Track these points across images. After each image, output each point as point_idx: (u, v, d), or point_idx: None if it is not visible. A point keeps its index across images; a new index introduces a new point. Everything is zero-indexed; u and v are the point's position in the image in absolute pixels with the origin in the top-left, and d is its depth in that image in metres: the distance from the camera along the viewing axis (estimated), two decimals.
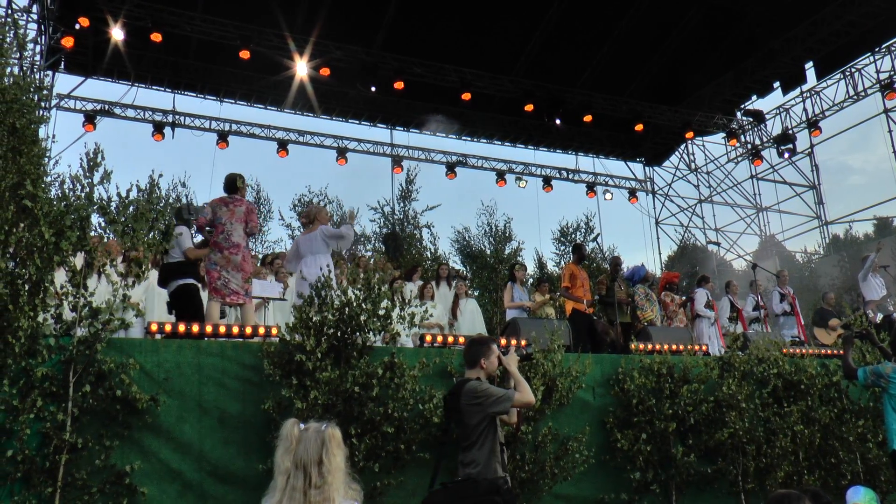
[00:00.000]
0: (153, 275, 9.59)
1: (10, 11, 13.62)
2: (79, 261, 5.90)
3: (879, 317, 11.65)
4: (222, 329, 6.57)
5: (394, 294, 6.75)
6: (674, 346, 8.31)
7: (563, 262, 22.74)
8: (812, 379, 8.08)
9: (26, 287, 5.48)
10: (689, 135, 20.89)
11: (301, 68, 16.27)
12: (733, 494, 7.58)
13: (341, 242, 8.10)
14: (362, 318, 6.31)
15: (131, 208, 6.17)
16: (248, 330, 6.65)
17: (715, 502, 7.60)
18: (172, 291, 7.81)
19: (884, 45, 18.21)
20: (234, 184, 7.97)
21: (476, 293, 17.45)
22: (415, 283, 11.17)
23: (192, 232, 8.15)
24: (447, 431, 4.87)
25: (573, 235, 24.00)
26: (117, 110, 17.70)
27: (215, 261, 7.66)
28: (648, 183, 24.03)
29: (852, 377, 6.56)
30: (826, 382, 8.18)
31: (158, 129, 17.90)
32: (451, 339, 7.34)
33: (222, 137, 18.51)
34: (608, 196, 22.71)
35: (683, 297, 11.77)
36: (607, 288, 10.77)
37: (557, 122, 18.74)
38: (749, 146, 22.10)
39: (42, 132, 7.23)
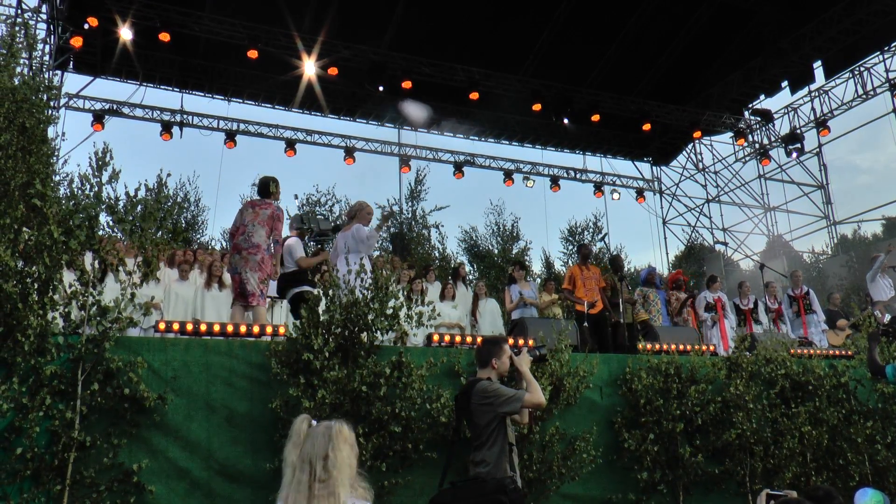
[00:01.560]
0: (170, 274, 9.71)
1: (19, 11, 13.69)
2: (87, 259, 5.93)
3: (887, 318, 11.60)
4: (230, 328, 6.58)
5: (409, 293, 6.75)
6: (681, 347, 8.29)
7: (570, 262, 22.75)
8: (820, 380, 8.04)
9: (35, 286, 5.51)
10: (697, 134, 20.84)
11: (309, 68, 16.30)
12: (741, 495, 7.55)
13: (361, 246, 8.10)
14: (370, 317, 6.31)
15: (139, 207, 6.19)
16: (256, 329, 6.66)
17: (722, 503, 7.57)
18: (290, 299, 8.03)
19: (893, 44, 18.14)
20: (266, 188, 8.01)
21: None
22: (431, 283, 11.19)
23: (307, 240, 8.48)
24: (457, 431, 4.89)
25: (581, 235, 24.01)
26: (125, 110, 17.77)
27: (234, 263, 7.71)
28: (656, 182, 23.99)
29: (879, 373, 6.52)
30: (834, 383, 8.13)
31: (166, 128, 17.96)
32: (458, 338, 7.34)
33: (230, 137, 18.57)
34: (615, 196, 22.67)
35: (685, 296, 11.73)
36: (612, 287, 10.77)
37: (565, 121, 18.73)
38: (757, 146, 22.05)
39: (51, 132, 7.28)
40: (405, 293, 6.72)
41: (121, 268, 5.96)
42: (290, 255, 8.21)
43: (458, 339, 7.29)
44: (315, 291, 8.17)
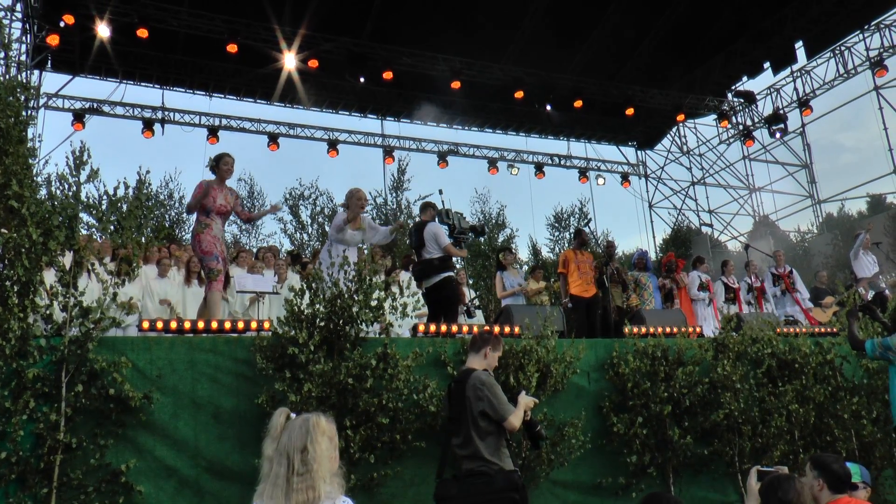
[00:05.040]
0: (151, 271, 9.60)
1: None
2: (68, 260, 5.88)
3: (871, 294, 11.68)
4: (214, 325, 6.55)
5: (388, 285, 6.70)
6: (668, 329, 8.31)
7: (557, 248, 22.78)
8: (806, 358, 8.08)
9: (15, 288, 5.46)
10: (681, 117, 20.88)
11: (290, 61, 16.22)
12: (730, 475, 7.60)
13: (334, 234, 8.02)
14: (354, 309, 6.29)
15: (123, 206, 6.15)
16: (241, 325, 6.63)
17: (712, 484, 7.62)
18: (434, 285, 8.11)
19: (873, 23, 18.20)
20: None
21: (470, 280, 17.43)
22: (412, 272, 11.13)
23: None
24: (454, 420, 4.80)
25: (567, 221, 24.04)
26: (106, 108, 17.65)
27: None
28: (641, 167, 24.04)
29: (859, 348, 6.58)
30: (820, 361, 8.17)
31: (148, 125, 17.84)
32: (444, 328, 7.32)
33: (212, 133, 18.46)
34: (601, 181, 22.73)
35: (666, 281, 11.80)
36: (600, 272, 10.78)
37: (548, 108, 18.71)
38: (740, 127, 22.11)
39: (30, 132, 7.19)
40: (385, 284, 6.67)
41: (102, 267, 5.91)
42: (437, 240, 8.20)
43: (443, 328, 7.27)
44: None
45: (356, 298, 6.30)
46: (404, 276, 10.52)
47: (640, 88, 19.63)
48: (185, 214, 22.40)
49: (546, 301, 11.21)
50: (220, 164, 7.76)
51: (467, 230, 8.85)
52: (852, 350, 7.14)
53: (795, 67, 20.16)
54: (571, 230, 22.83)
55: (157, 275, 9.57)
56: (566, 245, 22.68)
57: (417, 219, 8.89)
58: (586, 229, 10.96)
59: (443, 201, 8.84)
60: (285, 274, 10.17)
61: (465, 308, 8.78)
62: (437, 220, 8.61)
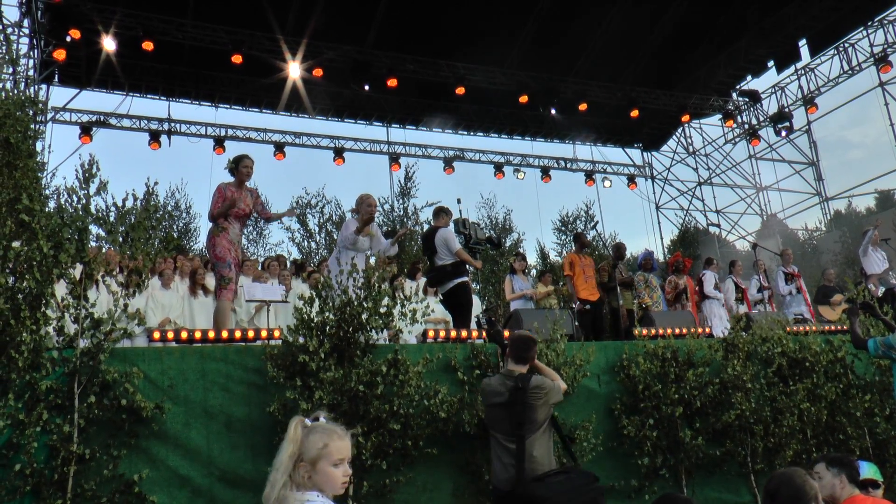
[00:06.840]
0: (153, 283, 9.60)
1: (1, 27, 13.64)
2: (78, 272, 5.91)
3: (881, 290, 11.63)
4: (224, 334, 6.57)
5: (395, 292, 6.69)
6: (677, 330, 8.29)
7: (564, 252, 22.77)
8: (817, 356, 8.03)
9: (27, 301, 5.49)
10: (686, 118, 20.86)
11: (294, 70, 16.29)
12: (743, 476, 7.56)
13: (345, 241, 7.96)
14: (364, 316, 6.30)
15: (132, 218, 6.19)
16: (251, 333, 6.66)
17: (725, 484, 7.58)
18: (449, 291, 8.16)
19: (876, 19, 18.18)
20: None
21: (478, 286, 17.48)
22: (417, 281, 11.15)
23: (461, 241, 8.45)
24: (522, 425, 4.99)
25: (573, 224, 24.04)
26: (113, 121, 17.73)
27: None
28: (647, 168, 24.01)
29: (862, 347, 6.55)
30: (831, 358, 8.13)
31: (155, 137, 17.92)
32: (453, 333, 7.33)
33: (219, 143, 18.52)
34: (607, 183, 22.71)
35: (682, 281, 11.78)
36: (609, 274, 10.79)
37: (553, 112, 18.72)
38: (746, 126, 22.08)
39: (38, 146, 7.25)
40: (401, 291, 6.67)
41: (112, 279, 5.94)
42: (447, 246, 8.16)
43: (453, 334, 7.28)
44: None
45: (365, 305, 6.31)
46: (410, 285, 10.54)
47: (645, 90, 19.63)
48: (192, 224, 22.52)
49: (555, 305, 11.23)
50: (240, 167, 7.58)
51: (483, 241, 8.81)
52: (855, 349, 7.12)
53: (799, 65, 20.18)
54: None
55: (161, 286, 9.55)
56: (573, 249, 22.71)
57: (428, 225, 8.89)
58: (592, 232, 11.00)
59: (460, 211, 8.80)
60: (289, 283, 10.19)
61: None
62: (451, 226, 8.59)
